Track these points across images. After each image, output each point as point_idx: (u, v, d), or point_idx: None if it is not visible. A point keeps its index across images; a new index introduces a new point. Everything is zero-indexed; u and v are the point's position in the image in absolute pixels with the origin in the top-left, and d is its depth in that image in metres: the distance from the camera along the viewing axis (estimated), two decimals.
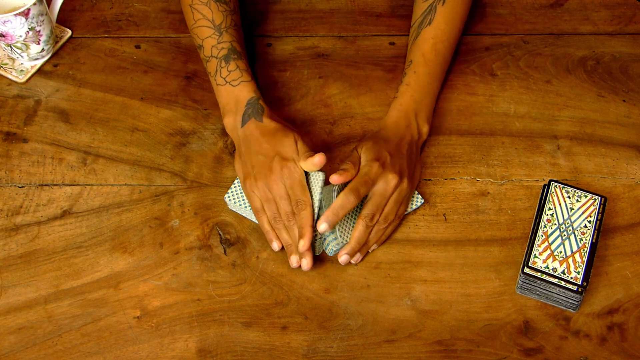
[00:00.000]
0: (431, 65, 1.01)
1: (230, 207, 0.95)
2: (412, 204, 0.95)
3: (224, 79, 0.98)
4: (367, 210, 0.90)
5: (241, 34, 1.04)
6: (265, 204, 0.92)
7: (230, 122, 0.97)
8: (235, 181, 0.96)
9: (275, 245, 0.92)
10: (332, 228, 0.88)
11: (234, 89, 0.98)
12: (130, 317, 0.88)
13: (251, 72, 1.00)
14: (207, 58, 1.01)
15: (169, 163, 1.00)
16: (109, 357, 0.86)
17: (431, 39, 1.02)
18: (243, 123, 0.96)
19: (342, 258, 0.89)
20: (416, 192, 0.96)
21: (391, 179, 0.90)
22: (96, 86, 1.07)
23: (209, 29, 1.01)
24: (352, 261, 0.91)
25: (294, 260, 0.90)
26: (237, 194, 0.95)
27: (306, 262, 0.89)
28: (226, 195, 0.95)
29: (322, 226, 0.87)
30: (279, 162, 0.91)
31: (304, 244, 0.88)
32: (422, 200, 0.95)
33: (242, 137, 0.96)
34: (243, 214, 0.95)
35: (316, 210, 0.90)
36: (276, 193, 0.91)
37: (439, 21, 1.02)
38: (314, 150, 0.92)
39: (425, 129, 0.99)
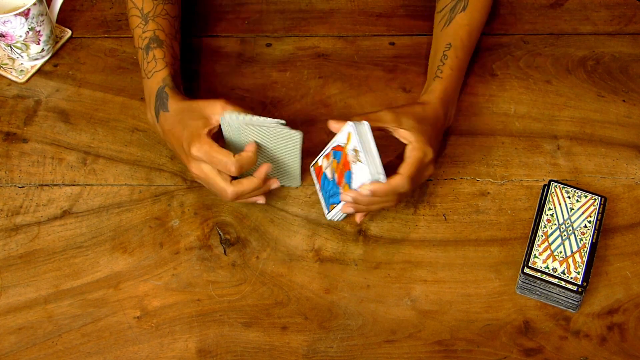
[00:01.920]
0: (467, 52, 1.00)
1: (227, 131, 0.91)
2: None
3: (144, 70, 0.96)
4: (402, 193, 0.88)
5: (172, 23, 1.00)
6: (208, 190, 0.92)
7: (149, 119, 0.96)
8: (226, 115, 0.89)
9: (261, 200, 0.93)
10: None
11: (149, 81, 0.95)
12: (130, 317, 0.88)
13: (171, 57, 0.96)
14: (136, 49, 0.99)
15: (169, 163, 1.00)
16: (109, 357, 0.86)
17: (466, 25, 1.01)
18: (157, 117, 0.94)
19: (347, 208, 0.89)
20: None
21: (431, 171, 0.90)
22: (96, 86, 1.07)
23: (137, 17, 0.99)
24: (357, 217, 0.91)
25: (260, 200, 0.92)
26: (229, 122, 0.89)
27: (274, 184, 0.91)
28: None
29: (348, 208, 0.88)
30: (188, 148, 0.87)
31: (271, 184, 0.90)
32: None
33: (160, 131, 0.94)
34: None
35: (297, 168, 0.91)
36: (202, 178, 0.89)
37: (473, 8, 1.02)
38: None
39: (453, 115, 0.99)
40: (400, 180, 0.86)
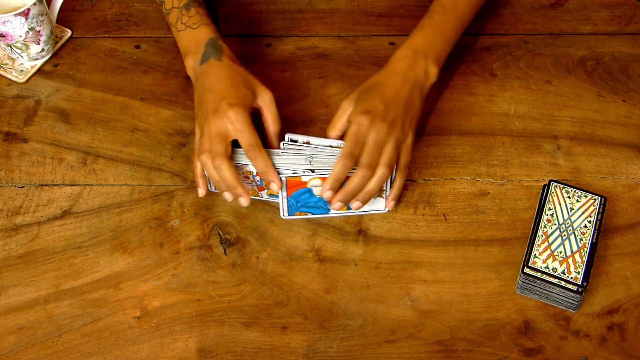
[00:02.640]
0: (449, 15, 1.00)
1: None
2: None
3: (184, 24, 1.00)
4: (363, 159, 0.88)
5: None
6: (200, 139, 0.91)
7: (191, 62, 0.98)
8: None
9: (200, 192, 0.94)
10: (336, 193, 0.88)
11: (194, 31, 0.99)
12: (130, 317, 0.88)
13: (212, 19, 1.01)
14: (168, 10, 1.02)
15: (169, 163, 1.00)
16: (109, 357, 0.86)
17: None
18: (202, 61, 0.96)
19: (326, 194, 0.88)
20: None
21: (382, 128, 0.88)
22: (96, 86, 1.07)
23: None
24: (354, 206, 0.90)
25: (199, 191, 0.93)
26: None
27: (276, 186, 0.89)
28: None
29: (326, 194, 0.87)
30: (228, 107, 0.90)
31: (276, 186, 0.89)
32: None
33: (198, 74, 0.96)
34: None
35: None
36: (213, 130, 0.90)
37: None
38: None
39: (433, 70, 0.96)
40: (343, 151, 0.87)
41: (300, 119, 1.04)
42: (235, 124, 0.89)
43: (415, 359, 0.86)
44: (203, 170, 0.92)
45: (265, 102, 0.94)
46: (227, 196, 0.91)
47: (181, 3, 1.01)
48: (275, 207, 0.96)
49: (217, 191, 0.93)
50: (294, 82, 1.08)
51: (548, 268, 0.86)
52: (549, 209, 0.90)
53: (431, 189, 0.98)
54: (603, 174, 0.99)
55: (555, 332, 0.87)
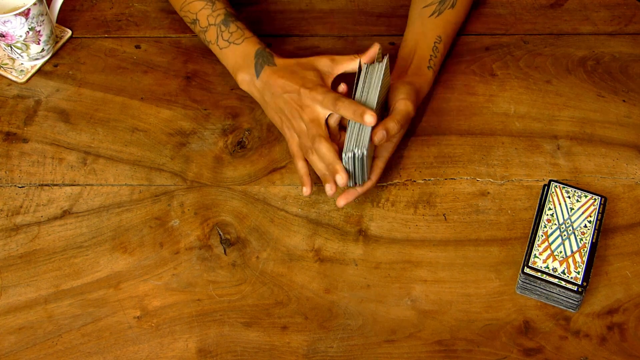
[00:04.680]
0: (447, 49, 1.04)
1: None
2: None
3: (227, 40, 1.00)
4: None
5: (228, 1, 1.06)
6: (300, 140, 0.93)
7: (245, 77, 0.98)
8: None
9: (305, 190, 0.93)
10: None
11: (238, 47, 1.00)
12: (130, 317, 0.88)
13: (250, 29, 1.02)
14: (204, 29, 1.02)
15: (169, 163, 1.00)
16: (109, 357, 0.86)
17: (454, 23, 1.04)
18: (258, 73, 0.97)
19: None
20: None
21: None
22: (96, 86, 1.07)
23: (201, 1, 1.02)
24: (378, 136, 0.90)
25: (328, 189, 0.90)
26: None
27: (341, 180, 0.88)
28: None
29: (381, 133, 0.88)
30: (305, 93, 0.91)
31: (340, 178, 0.88)
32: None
33: (261, 87, 0.97)
34: None
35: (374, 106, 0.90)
36: (306, 120, 0.91)
37: (460, 7, 1.05)
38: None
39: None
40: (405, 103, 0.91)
41: None
42: (322, 103, 0.90)
43: (415, 359, 0.86)
44: (307, 169, 0.93)
45: (326, 64, 0.95)
46: (329, 189, 0.90)
47: (218, 20, 1.01)
48: (275, 207, 0.96)
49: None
50: None
51: (548, 268, 0.86)
52: (549, 208, 0.90)
53: (431, 189, 0.98)
54: (603, 174, 0.99)
55: (555, 332, 0.87)
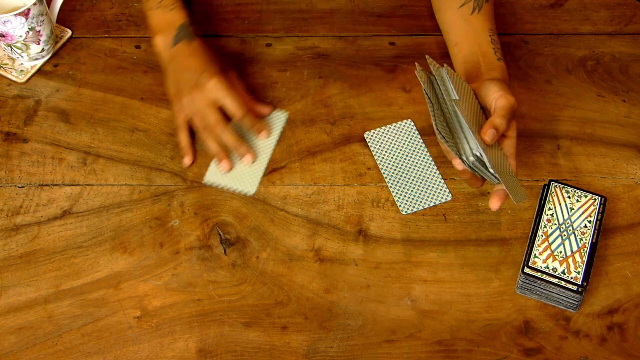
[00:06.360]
0: (499, 43, 1.02)
1: (212, 183, 0.98)
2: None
3: (159, 3, 1.04)
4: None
5: None
6: (193, 118, 0.98)
7: (161, 41, 1.03)
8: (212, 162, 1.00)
9: (186, 160, 1.00)
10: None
11: (167, 13, 1.04)
12: (130, 317, 0.88)
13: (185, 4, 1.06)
14: None
15: (169, 163, 1.00)
16: (109, 357, 0.86)
17: (493, 15, 1.04)
18: (173, 43, 1.02)
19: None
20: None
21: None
22: (96, 86, 1.07)
23: None
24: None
25: (224, 165, 0.98)
26: (214, 170, 0.99)
27: (250, 158, 0.99)
28: (205, 178, 0.99)
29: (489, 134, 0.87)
30: (206, 77, 0.97)
31: (250, 157, 0.98)
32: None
33: (170, 56, 1.02)
34: (226, 185, 0.98)
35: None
36: (201, 104, 0.97)
37: (491, 3, 1.05)
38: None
39: None
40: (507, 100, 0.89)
41: (300, 119, 1.04)
42: (221, 91, 0.97)
43: (415, 359, 0.86)
44: (189, 141, 1.00)
45: (232, 79, 1.01)
46: (225, 165, 0.98)
47: None
48: (275, 207, 0.96)
49: (213, 184, 0.94)
50: (294, 82, 1.08)
51: (548, 268, 0.86)
52: (549, 208, 0.90)
53: None
54: (603, 173, 0.99)
55: (555, 332, 0.87)
